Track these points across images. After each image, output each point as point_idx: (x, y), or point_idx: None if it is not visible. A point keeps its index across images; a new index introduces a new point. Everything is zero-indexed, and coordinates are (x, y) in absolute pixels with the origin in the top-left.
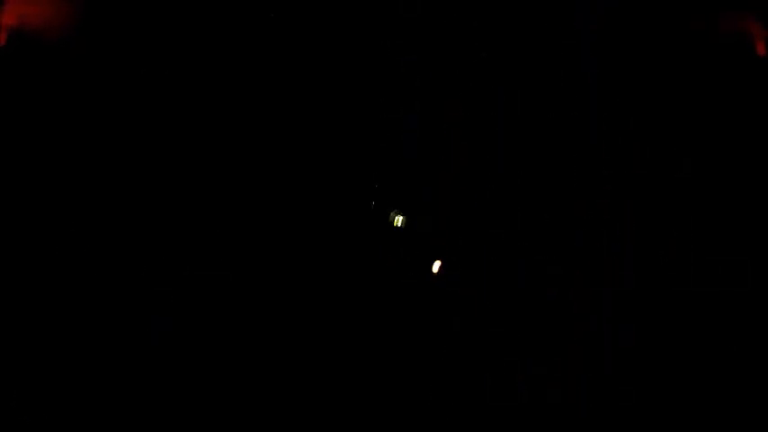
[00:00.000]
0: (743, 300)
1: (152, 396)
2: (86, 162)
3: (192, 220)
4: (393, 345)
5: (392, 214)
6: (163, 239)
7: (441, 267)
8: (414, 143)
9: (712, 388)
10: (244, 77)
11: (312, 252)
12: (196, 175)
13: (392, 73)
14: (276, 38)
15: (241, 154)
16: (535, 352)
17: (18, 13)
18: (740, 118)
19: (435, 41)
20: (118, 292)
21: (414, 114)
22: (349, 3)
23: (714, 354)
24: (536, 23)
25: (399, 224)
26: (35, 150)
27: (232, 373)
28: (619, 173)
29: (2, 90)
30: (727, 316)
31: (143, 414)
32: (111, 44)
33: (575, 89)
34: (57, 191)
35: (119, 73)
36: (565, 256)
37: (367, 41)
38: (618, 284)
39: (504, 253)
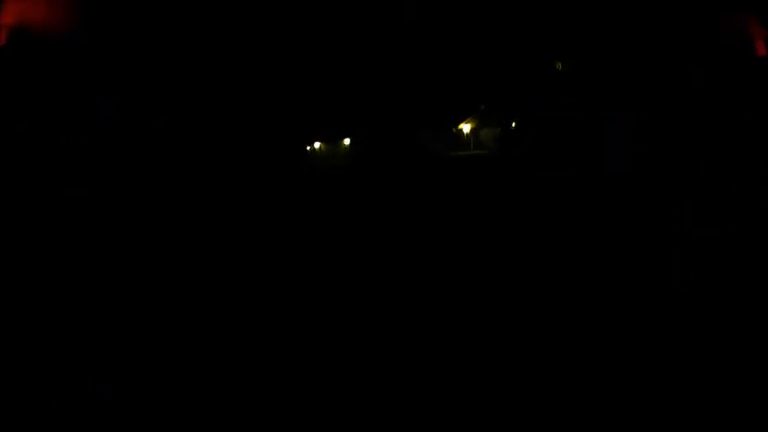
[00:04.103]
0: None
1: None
2: (85, 159)
3: (189, 215)
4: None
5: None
6: (162, 233)
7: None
8: None
9: None
10: (240, 75)
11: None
12: (193, 170)
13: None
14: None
15: (237, 150)
16: None
17: (18, 13)
18: (740, 117)
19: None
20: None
21: None
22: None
23: None
24: (536, 24)
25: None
26: (35, 147)
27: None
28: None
29: (2, 88)
30: None
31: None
32: (110, 42)
33: (577, 89)
34: (55, 186)
35: (118, 71)
36: None
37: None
38: None
39: None
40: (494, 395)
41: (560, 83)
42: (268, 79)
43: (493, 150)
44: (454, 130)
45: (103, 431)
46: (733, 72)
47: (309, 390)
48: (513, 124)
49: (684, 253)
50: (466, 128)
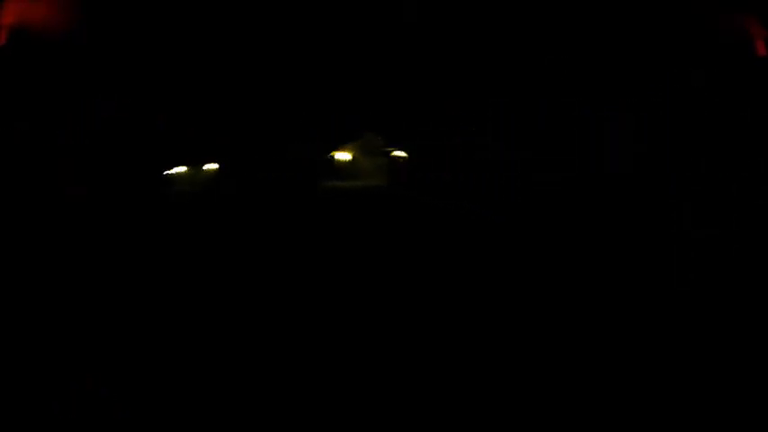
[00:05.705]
0: None
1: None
2: (85, 159)
3: (189, 213)
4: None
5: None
6: (162, 233)
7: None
8: None
9: None
10: (238, 75)
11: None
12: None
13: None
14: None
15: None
16: None
17: (18, 13)
18: (740, 117)
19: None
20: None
21: None
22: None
23: None
24: (538, 26)
25: None
26: (35, 147)
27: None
28: (612, 169)
29: (2, 88)
30: None
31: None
32: (110, 42)
33: (577, 89)
34: (55, 186)
35: (118, 71)
36: None
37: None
38: None
39: None
40: (492, 394)
41: (560, 83)
42: (267, 80)
43: (382, 183)
44: (327, 157)
45: (103, 431)
46: (733, 72)
47: (310, 388)
48: (402, 153)
49: (684, 253)
50: (344, 156)
